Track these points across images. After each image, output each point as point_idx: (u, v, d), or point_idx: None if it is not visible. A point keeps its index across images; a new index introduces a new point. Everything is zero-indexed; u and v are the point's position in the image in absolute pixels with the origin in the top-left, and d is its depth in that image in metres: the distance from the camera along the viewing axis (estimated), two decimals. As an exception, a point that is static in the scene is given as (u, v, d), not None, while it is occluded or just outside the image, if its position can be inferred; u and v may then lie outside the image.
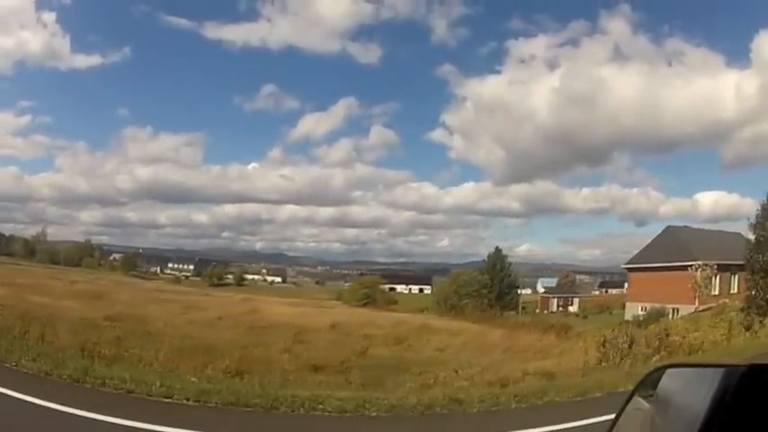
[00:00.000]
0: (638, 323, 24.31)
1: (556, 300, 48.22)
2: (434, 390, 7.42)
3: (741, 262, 26.22)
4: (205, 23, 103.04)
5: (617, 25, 76.34)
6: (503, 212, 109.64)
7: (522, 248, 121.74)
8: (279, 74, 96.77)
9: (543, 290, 57.55)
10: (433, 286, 59.02)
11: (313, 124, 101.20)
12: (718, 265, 29.65)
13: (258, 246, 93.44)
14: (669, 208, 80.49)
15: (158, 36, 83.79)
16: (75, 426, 5.22)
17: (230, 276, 62.30)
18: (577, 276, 69.64)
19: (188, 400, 6.30)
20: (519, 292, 42.81)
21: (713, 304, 27.83)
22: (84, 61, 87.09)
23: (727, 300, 28.13)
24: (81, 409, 5.47)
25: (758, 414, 1.14)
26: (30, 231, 59.38)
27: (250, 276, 66.95)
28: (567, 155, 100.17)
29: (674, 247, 30.46)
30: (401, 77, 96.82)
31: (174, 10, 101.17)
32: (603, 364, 11.77)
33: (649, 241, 34.35)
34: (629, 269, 34.25)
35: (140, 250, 67.37)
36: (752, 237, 26.10)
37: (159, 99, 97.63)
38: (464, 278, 40.28)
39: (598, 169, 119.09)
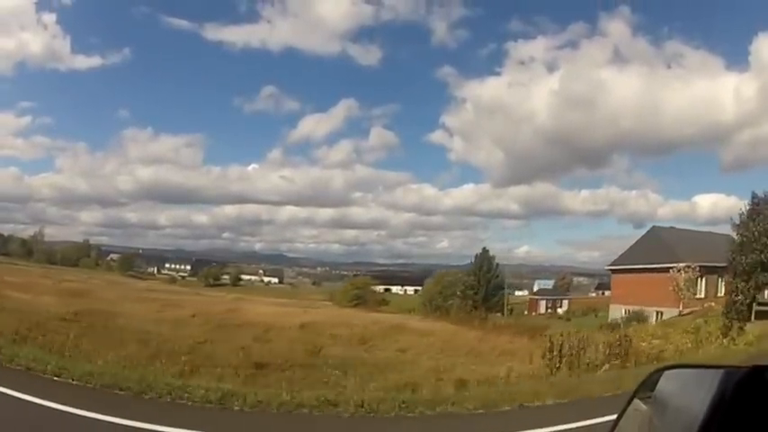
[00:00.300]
0: (614, 326, 24.00)
1: (545, 302, 47.68)
2: (323, 390, 7.34)
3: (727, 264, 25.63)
4: (205, 25, 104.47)
5: (616, 27, 75.85)
6: (502, 214, 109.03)
7: (522, 250, 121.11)
8: (279, 75, 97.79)
9: (540, 291, 56.95)
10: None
11: (313, 125, 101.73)
12: (704, 267, 29.06)
13: (258, 247, 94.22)
14: (668, 210, 79.67)
15: (159, 37, 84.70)
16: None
17: (226, 277, 62.79)
18: (576, 278, 69.00)
19: (73, 379, 6.87)
20: (506, 293, 42.44)
21: (697, 308, 27.33)
22: (84, 62, 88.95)
23: (713, 303, 27.55)
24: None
25: (758, 417, 1.10)
26: (29, 232, 60.58)
27: (247, 277, 67.40)
28: (567, 157, 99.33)
29: (658, 248, 29.92)
30: (401, 79, 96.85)
31: (175, 11, 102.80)
32: (549, 371, 11.51)
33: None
34: (613, 270, 33.74)
35: (140, 251, 68.39)
36: (736, 237, 25.61)
37: (159, 100, 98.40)
38: (449, 279, 40.11)
39: (597, 171, 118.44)
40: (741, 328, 17.68)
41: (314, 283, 76.87)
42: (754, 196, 25.86)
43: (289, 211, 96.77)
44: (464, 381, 9.54)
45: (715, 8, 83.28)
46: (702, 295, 29.15)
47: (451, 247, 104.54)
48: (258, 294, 51.87)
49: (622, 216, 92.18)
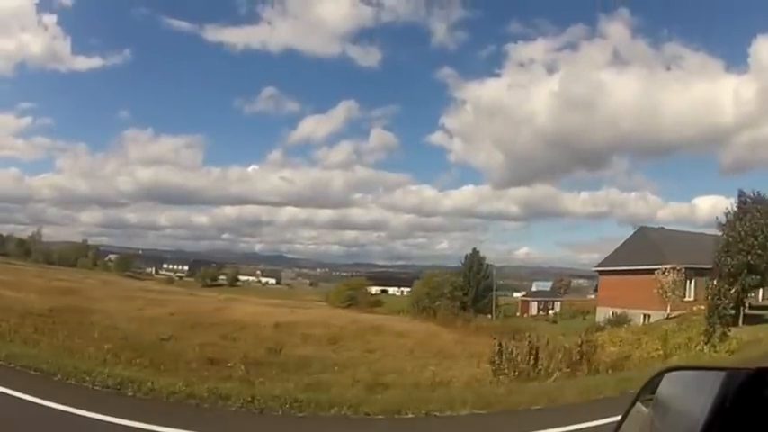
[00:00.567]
0: (599, 329, 23.60)
1: (536, 303, 47.21)
2: (233, 384, 7.35)
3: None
4: (206, 26, 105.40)
5: (616, 29, 75.27)
6: (502, 216, 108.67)
7: (521, 252, 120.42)
8: (279, 76, 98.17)
9: (532, 293, 56.36)
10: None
11: (313, 127, 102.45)
12: (694, 268, 28.44)
13: (258, 248, 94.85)
14: (667, 212, 78.73)
15: (159, 38, 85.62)
16: None
17: (224, 277, 63.17)
18: (576, 280, 68.25)
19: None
20: (494, 294, 42.04)
21: (684, 311, 26.69)
22: (84, 63, 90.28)
23: (702, 306, 26.86)
24: None
25: (761, 420, 1.09)
26: (28, 232, 61.26)
27: (244, 278, 67.74)
28: (566, 158, 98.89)
29: (645, 249, 29.36)
30: (401, 80, 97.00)
31: (175, 12, 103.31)
32: (494, 376, 11.21)
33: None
34: (600, 272, 33.16)
35: (140, 251, 69.16)
36: (722, 238, 24.88)
37: (160, 101, 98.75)
38: (436, 280, 39.97)
39: (597, 173, 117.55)
40: (725, 334, 17.00)
41: (311, 284, 77.06)
42: (740, 194, 25.25)
43: (289, 212, 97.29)
44: (385, 384, 9.43)
45: (714, 10, 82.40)
46: (692, 298, 28.48)
47: (451, 249, 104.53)
48: (253, 295, 52.07)
49: (622, 218, 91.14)
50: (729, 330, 17.64)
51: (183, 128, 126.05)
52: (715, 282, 22.87)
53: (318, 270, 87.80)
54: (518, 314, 45.57)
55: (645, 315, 28.33)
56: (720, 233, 24.97)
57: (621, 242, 33.11)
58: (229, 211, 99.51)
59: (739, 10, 76.12)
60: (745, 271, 23.90)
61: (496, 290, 45.09)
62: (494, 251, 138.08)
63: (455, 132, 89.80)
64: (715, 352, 14.88)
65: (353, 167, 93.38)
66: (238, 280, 64.60)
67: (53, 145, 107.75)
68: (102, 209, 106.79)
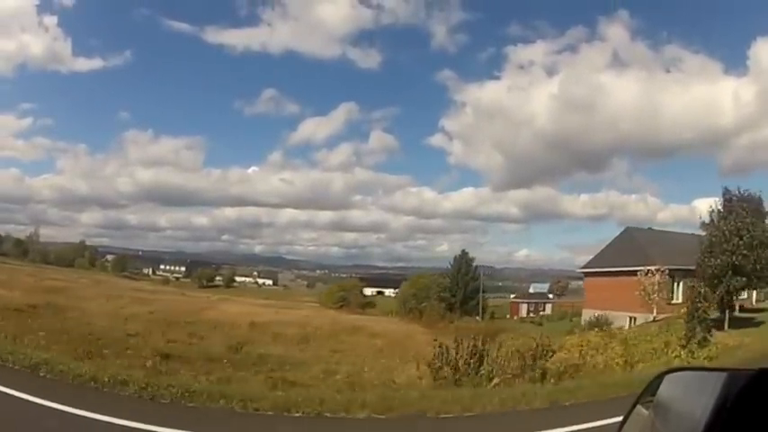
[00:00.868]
0: (567, 332, 23.25)
1: (526, 305, 46.76)
2: (141, 372, 7.54)
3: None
4: (206, 28, 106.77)
5: (615, 32, 74.80)
6: (501, 218, 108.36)
7: (521, 253, 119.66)
8: (279, 78, 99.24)
9: (524, 295, 55.93)
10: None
11: (313, 128, 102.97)
12: (681, 270, 27.87)
13: (257, 249, 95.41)
14: (667, 214, 77.84)
15: (160, 40, 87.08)
16: None
17: (220, 278, 63.54)
18: (575, 282, 67.45)
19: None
20: (480, 296, 41.72)
21: (671, 314, 26.17)
22: (85, 64, 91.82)
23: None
24: None
25: (763, 422, 1.07)
26: (27, 232, 61.98)
27: (241, 279, 68.09)
28: (566, 160, 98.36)
29: (631, 250, 28.87)
30: (401, 82, 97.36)
31: (176, 14, 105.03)
32: (432, 379, 11.00)
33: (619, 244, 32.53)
34: (586, 273, 32.70)
35: (140, 252, 69.84)
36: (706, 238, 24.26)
37: (160, 102, 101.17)
38: (423, 281, 39.82)
39: (597, 175, 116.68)
40: (705, 339, 16.51)
41: (308, 286, 77.22)
42: (725, 192, 24.69)
43: (288, 213, 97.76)
44: (293, 381, 9.52)
45: (714, 13, 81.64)
46: (679, 300, 27.91)
47: (451, 251, 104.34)
48: (248, 296, 52.30)
49: (622, 220, 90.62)
50: (711, 335, 17.14)
51: (184, 129, 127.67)
52: (695, 284, 22.38)
53: (318, 272, 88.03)
54: (508, 316, 45.24)
55: (631, 318, 27.88)
56: (703, 232, 24.47)
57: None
58: (229, 212, 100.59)
59: (738, 12, 75.40)
60: (730, 272, 23.29)
61: (493, 292, 44.92)
62: (494, 253, 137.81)
63: (455, 134, 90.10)
64: (693, 358, 14.42)
65: (353, 169, 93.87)
66: (235, 281, 64.95)
67: (53, 146, 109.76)
68: (103, 210, 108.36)
